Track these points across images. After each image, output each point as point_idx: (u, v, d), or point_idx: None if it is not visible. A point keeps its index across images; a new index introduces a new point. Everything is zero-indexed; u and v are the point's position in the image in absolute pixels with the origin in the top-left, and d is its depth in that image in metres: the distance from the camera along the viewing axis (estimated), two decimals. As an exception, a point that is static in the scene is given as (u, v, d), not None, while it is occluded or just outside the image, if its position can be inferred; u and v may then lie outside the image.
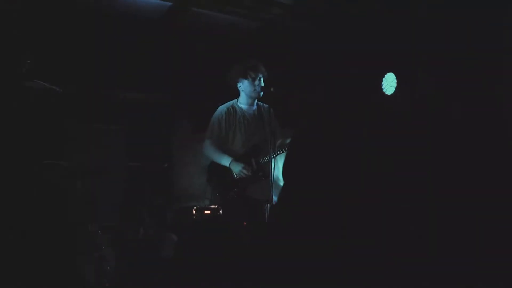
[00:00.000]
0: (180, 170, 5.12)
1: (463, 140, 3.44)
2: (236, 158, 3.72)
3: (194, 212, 3.65)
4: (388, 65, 4.62)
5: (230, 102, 3.90)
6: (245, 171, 3.65)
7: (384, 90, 4.74)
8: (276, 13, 4.61)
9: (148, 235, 3.96)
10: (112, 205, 4.36)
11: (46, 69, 3.86)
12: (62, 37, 4.31)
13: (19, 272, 3.20)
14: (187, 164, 5.17)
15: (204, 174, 4.10)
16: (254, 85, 3.76)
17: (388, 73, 4.69)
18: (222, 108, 3.88)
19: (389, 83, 4.72)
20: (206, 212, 3.65)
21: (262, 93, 3.79)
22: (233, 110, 3.85)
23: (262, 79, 3.79)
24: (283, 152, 3.73)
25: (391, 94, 4.65)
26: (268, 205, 3.46)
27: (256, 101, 3.90)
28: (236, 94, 3.90)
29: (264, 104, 3.90)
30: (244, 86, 3.81)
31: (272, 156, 3.47)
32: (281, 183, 4.53)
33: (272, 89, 3.63)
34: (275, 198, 3.64)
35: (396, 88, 4.62)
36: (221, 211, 3.60)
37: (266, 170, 3.65)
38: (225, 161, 3.71)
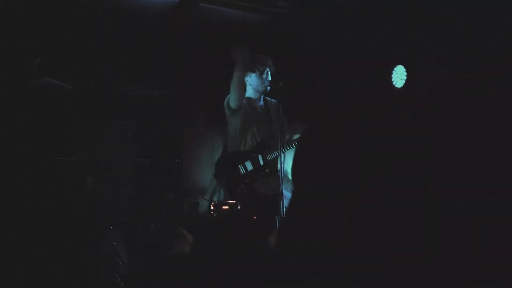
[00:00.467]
0: (191, 165, 5.14)
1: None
2: (243, 154, 3.73)
3: (212, 207, 3.65)
4: (397, 59, 4.58)
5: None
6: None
7: (394, 83, 4.70)
8: (283, 6, 4.59)
9: (160, 231, 3.98)
10: (123, 200, 4.38)
11: (56, 66, 3.89)
12: (71, 35, 4.33)
13: (30, 268, 3.24)
14: (197, 159, 5.19)
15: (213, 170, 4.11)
16: (262, 79, 3.75)
17: (397, 66, 4.65)
18: None
19: (399, 75, 4.68)
20: (224, 207, 3.65)
21: (269, 88, 3.78)
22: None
23: (269, 73, 3.77)
24: (291, 148, 3.72)
25: (401, 87, 4.61)
26: (283, 199, 3.45)
27: (263, 96, 3.89)
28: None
29: (272, 100, 3.89)
30: (251, 80, 3.81)
31: (280, 152, 3.46)
32: (291, 176, 4.53)
33: (281, 84, 3.62)
34: (285, 192, 3.64)
35: (406, 80, 4.58)
36: (239, 207, 3.60)
37: (273, 166, 3.65)
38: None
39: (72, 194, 3.80)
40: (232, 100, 3.70)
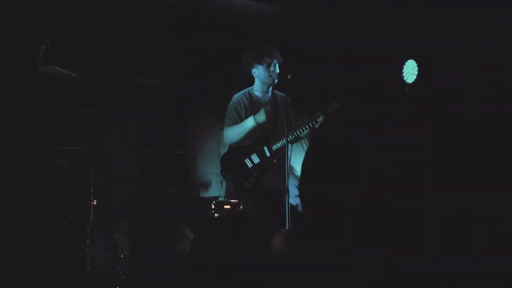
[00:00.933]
0: (195, 158, 5.09)
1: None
2: (248, 147, 3.67)
3: (213, 206, 3.59)
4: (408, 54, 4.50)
5: (246, 90, 3.83)
6: (266, 117, 3.54)
7: (404, 78, 4.61)
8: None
9: (162, 227, 3.94)
10: (127, 192, 4.36)
11: (61, 54, 3.85)
12: (78, 23, 4.29)
13: (31, 257, 3.21)
14: (202, 152, 5.14)
15: (218, 162, 4.06)
16: (269, 71, 3.67)
17: (408, 60, 4.56)
18: (238, 95, 3.80)
19: (410, 70, 4.59)
20: (225, 206, 3.60)
21: (277, 80, 3.70)
22: (249, 97, 3.78)
23: (277, 65, 3.69)
24: (296, 136, 3.65)
25: (412, 82, 4.53)
26: (288, 195, 3.39)
27: (271, 88, 3.81)
28: (252, 82, 3.83)
29: (280, 93, 3.81)
30: (258, 72, 3.72)
31: (287, 145, 3.40)
32: (297, 173, 4.49)
33: (289, 77, 3.53)
34: (291, 189, 3.59)
35: (417, 76, 4.49)
36: (241, 207, 3.54)
37: (280, 156, 3.59)
38: (249, 122, 3.61)
39: (75, 184, 3.77)
40: (226, 138, 3.73)
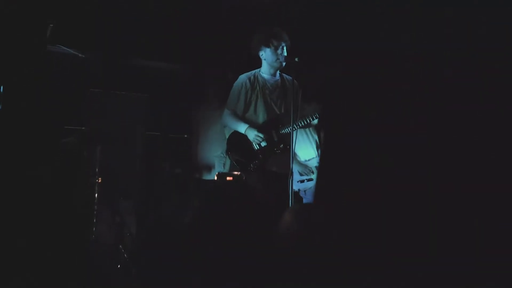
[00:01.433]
0: (200, 141, 5.12)
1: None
2: (255, 128, 3.68)
3: (216, 178, 3.64)
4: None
5: (252, 72, 3.84)
6: (259, 138, 3.61)
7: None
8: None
9: (168, 204, 3.98)
10: (132, 172, 4.38)
11: (69, 34, 3.85)
12: (86, 2, 4.28)
13: (37, 237, 3.24)
14: (207, 135, 5.16)
15: (222, 145, 4.09)
16: (277, 54, 3.68)
17: None
18: (244, 77, 3.82)
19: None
20: (228, 178, 3.63)
21: (284, 63, 3.70)
22: (255, 80, 3.78)
23: (285, 48, 3.70)
24: (304, 124, 3.68)
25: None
26: (292, 178, 3.42)
27: (279, 72, 3.82)
28: (260, 64, 3.84)
29: (288, 76, 3.82)
30: (266, 54, 3.73)
31: (293, 129, 3.41)
32: (299, 158, 4.51)
33: (296, 59, 3.54)
34: (294, 175, 3.63)
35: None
36: (244, 177, 3.58)
37: (287, 142, 3.61)
38: (241, 128, 3.68)
39: (81, 163, 3.79)
40: (224, 121, 3.84)
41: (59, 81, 4.07)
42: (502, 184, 2.84)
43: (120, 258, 3.49)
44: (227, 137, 3.86)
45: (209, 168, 4.94)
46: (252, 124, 3.71)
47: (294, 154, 3.92)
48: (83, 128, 4.01)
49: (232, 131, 3.78)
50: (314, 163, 4.39)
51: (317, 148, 4.46)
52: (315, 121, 3.71)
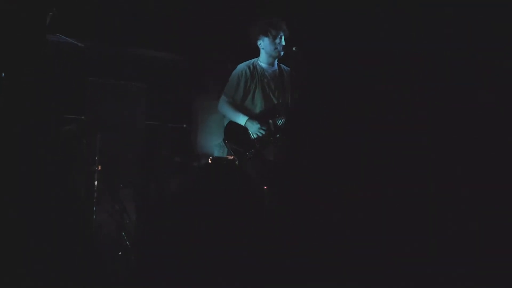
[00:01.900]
0: (199, 130, 5.15)
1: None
2: (253, 118, 3.71)
3: (209, 161, 3.68)
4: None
5: (251, 60, 3.87)
6: (262, 131, 3.64)
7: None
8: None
9: (168, 191, 4.02)
10: (133, 160, 4.42)
11: (68, 23, 3.86)
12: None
13: (34, 225, 3.27)
14: (206, 124, 5.19)
15: (221, 135, 4.12)
16: (275, 44, 3.71)
17: None
18: (242, 65, 3.84)
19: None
20: (225, 162, 3.68)
21: (282, 53, 3.73)
22: (254, 68, 3.81)
23: (283, 37, 3.72)
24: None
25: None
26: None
27: (277, 61, 3.85)
28: (258, 53, 3.87)
29: (286, 67, 3.85)
30: (264, 44, 3.76)
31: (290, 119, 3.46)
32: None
33: (294, 49, 3.57)
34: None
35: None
36: (237, 162, 3.62)
37: (284, 132, 3.65)
38: (241, 119, 3.70)
39: (81, 151, 3.82)
40: (220, 109, 3.87)
41: (59, 70, 4.08)
42: (502, 184, 2.88)
43: (122, 245, 3.53)
44: (225, 125, 3.90)
45: (209, 157, 4.97)
46: (249, 113, 3.74)
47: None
48: (82, 117, 4.04)
49: (229, 120, 3.81)
50: None
51: None
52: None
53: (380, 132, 3.81)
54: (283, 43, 3.72)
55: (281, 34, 3.71)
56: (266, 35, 3.73)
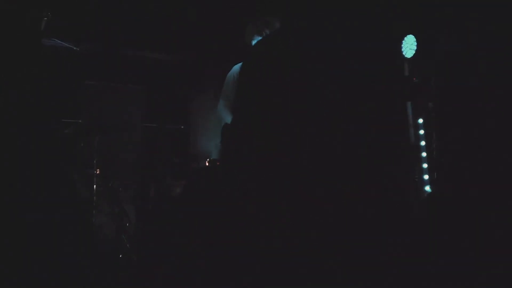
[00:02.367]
0: (197, 131, 5.16)
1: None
2: None
3: (207, 164, 3.69)
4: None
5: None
6: None
7: (403, 53, 4.65)
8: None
9: (168, 193, 4.02)
10: (132, 163, 4.42)
11: (65, 27, 3.86)
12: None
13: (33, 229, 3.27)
14: (204, 126, 5.20)
15: (219, 135, 4.12)
16: (271, 43, 3.72)
17: (408, 35, 4.58)
18: (237, 67, 3.84)
19: (409, 45, 4.63)
20: (219, 163, 3.69)
21: None
22: (249, 70, 3.82)
23: (279, 37, 3.73)
24: None
25: (411, 57, 4.56)
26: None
27: (273, 61, 3.86)
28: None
29: None
30: (259, 44, 3.77)
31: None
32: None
33: (289, 48, 3.57)
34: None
35: (416, 50, 4.53)
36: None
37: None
38: None
39: (80, 155, 3.83)
40: (220, 113, 3.80)
41: (55, 74, 4.08)
42: (502, 184, 2.88)
43: (122, 247, 3.54)
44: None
45: (207, 158, 4.98)
46: None
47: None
48: (80, 121, 4.04)
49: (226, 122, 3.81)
50: None
51: None
52: None
53: (380, 132, 3.82)
54: (279, 43, 3.73)
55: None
56: (261, 35, 3.73)
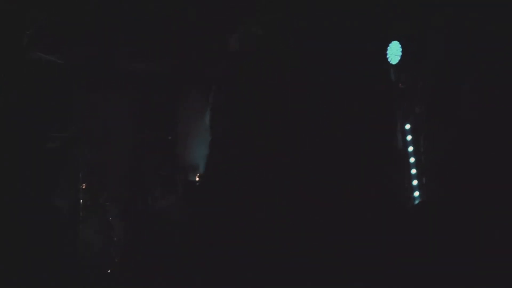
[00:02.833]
0: (185, 142, 5.12)
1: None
2: None
3: (197, 178, 3.67)
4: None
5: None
6: None
7: (388, 60, 4.66)
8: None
9: (157, 205, 3.99)
10: (120, 176, 4.37)
11: (49, 40, 3.83)
12: (69, 6, 4.25)
13: (25, 241, 3.23)
14: (191, 137, 5.16)
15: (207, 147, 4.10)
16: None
17: (392, 42, 4.60)
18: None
19: (394, 51, 4.64)
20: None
21: None
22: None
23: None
24: None
25: (396, 64, 4.57)
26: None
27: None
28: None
29: None
30: (247, 53, 3.77)
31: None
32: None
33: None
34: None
35: (401, 57, 4.54)
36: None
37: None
38: None
39: (68, 168, 3.78)
40: None
41: (43, 87, 4.04)
42: (502, 184, 2.88)
43: (110, 263, 3.49)
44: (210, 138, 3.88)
45: (195, 169, 4.94)
46: None
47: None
48: (68, 133, 4.00)
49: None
50: None
51: None
52: None
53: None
54: (265, 52, 3.73)
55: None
56: (251, 41, 3.73)
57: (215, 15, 4.69)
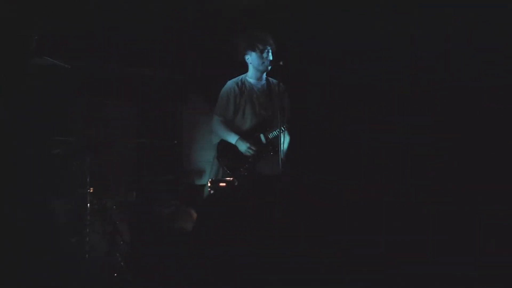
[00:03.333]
0: (190, 146, 5.14)
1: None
2: (244, 134, 3.72)
3: (209, 184, 3.68)
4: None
5: (239, 77, 3.89)
6: (250, 151, 3.66)
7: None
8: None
9: (162, 210, 4.00)
10: (125, 181, 4.39)
11: (54, 45, 3.85)
12: (71, 12, 4.29)
13: (28, 249, 3.24)
14: (196, 140, 5.19)
15: (212, 150, 4.12)
16: (262, 58, 3.73)
17: None
18: (231, 83, 3.86)
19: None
20: (221, 184, 3.67)
21: (270, 67, 3.75)
22: (242, 85, 3.83)
23: (270, 52, 3.74)
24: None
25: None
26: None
27: (265, 75, 3.87)
28: (246, 69, 3.88)
29: (273, 80, 3.87)
30: (252, 58, 3.78)
31: (280, 131, 3.48)
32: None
33: (281, 63, 3.59)
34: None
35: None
36: (236, 183, 3.62)
37: (276, 144, 3.65)
38: (232, 138, 3.72)
39: (72, 174, 3.80)
40: (213, 129, 3.88)
41: (47, 92, 4.06)
42: (502, 184, 2.89)
43: (116, 267, 3.50)
44: (214, 143, 3.90)
45: (200, 173, 4.96)
46: (240, 129, 3.75)
47: (285, 153, 3.96)
48: (71, 139, 4.01)
49: (218, 140, 3.82)
50: None
51: None
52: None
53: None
54: (271, 57, 3.74)
55: (268, 48, 3.74)
56: (254, 50, 3.76)
57: (220, 19, 4.72)
